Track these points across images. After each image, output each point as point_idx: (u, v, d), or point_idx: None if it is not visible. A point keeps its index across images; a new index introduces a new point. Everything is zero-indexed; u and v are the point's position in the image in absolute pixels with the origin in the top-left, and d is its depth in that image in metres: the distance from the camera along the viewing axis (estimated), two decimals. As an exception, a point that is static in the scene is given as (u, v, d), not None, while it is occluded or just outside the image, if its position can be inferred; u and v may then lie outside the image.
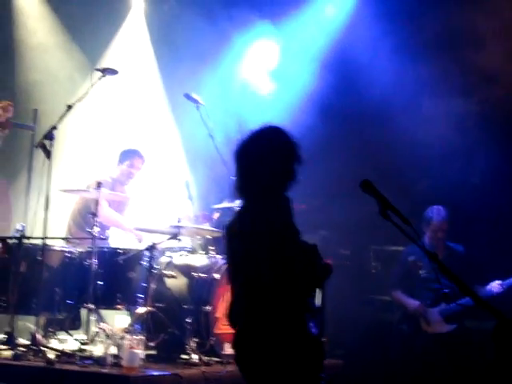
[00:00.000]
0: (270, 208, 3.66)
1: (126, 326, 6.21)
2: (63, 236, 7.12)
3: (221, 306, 6.24)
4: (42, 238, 6.00)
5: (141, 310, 6.15)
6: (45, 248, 6.04)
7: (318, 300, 4.17)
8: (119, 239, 7.54)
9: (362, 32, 8.31)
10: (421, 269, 7.01)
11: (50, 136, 6.02)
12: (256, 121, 3.90)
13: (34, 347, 5.77)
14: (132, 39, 9.37)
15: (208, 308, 6.24)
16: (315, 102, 8.30)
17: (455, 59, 7.93)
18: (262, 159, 3.70)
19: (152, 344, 6.13)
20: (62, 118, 6.21)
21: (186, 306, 6.30)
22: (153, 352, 6.20)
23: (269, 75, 8.91)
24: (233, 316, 3.73)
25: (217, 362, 6.13)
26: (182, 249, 6.87)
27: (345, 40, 8.50)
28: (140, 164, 7.59)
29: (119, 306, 6.38)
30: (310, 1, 8.79)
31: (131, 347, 5.38)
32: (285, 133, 3.78)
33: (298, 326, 3.58)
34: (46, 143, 5.99)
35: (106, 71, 6.60)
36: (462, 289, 3.22)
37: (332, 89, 8.27)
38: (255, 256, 3.58)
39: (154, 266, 6.35)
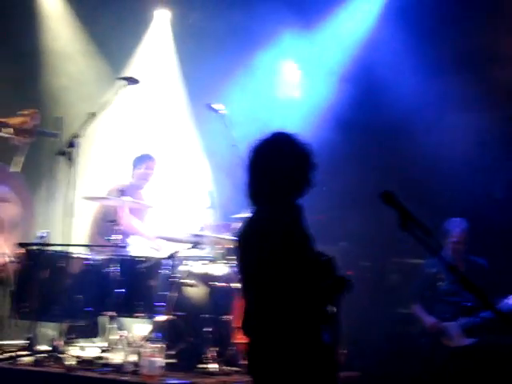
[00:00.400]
0: (282, 215, 3.65)
1: (146, 334, 6.24)
2: (85, 243, 7.16)
3: (240, 316, 6.23)
4: (64, 245, 6.05)
5: (161, 318, 6.17)
6: (67, 255, 6.08)
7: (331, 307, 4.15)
8: (138, 247, 7.58)
9: (384, 47, 8.33)
10: (441, 281, 6.98)
11: (71, 144, 6.07)
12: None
13: (55, 353, 5.80)
14: (156, 49, 9.42)
15: (227, 317, 6.25)
16: (335, 115, 8.32)
17: (478, 74, 7.93)
18: (275, 165, 3.68)
19: (171, 353, 6.13)
20: (84, 125, 6.27)
21: (205, 315, 6.31)
22: (172, 360, 6.20)
23: (292, 88, 8.95)
24: (246, 326, 3.74)
25: (236, 371, 6.13)
26: (202, 258, 6.89)
27: (366, 55, 8.52)
28: (154, 166, 7.67)
29: (139, 314, 6.41)
30: (331, 16, 8.81)
31: (151, 355, 5.40)
32: (298, 139, 3.77)
33: (311, 336, 3.56)
34: (68, 151, 6.04)
35: (129, 80, 6.66)
36: (482, 302, 3.20)
37: (353, 103, 8.29)
38: (268, 264, 3.57)
39: (175, 274, 6.37)
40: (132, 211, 7.33)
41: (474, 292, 3.19)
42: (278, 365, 3.53)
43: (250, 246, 3.70)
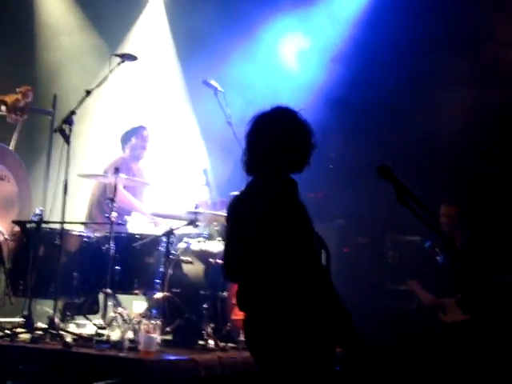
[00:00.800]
0: (276, 188, 3.64)
1: (143, 310, 6.25)
2: (83, 221, 7.15)
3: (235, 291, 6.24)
4: (60, 223, 6.03)
5: (158, 295, 6.18)
6: (63, 233, 6.07)
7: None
8: (136, 224, 7.57)
9: (378, 25, 8.32)
10: (438, 255, 6.99)
11: (68, 121, 6.03)
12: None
13: (52, 331, 5.80)
14: (151, 27, 9.39)
15: (224, 294, 6.26)
16: (328, 94, 8.31)
17: (468, 52, 7.93)
18: (274, 137, 3.66)
19: (168, 329, 6.15)
20: (80, 103, 6.22)
21: (202, 292, 6.32)
22: (169, 337, 6.23)
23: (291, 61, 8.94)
24: (241, 301, 3.72)
25: (233, 347, 6.15)
26: (199, 235, 6.88)
27: (360, 33, 8.50)
28: (146, 134, 7.60)
29: (136, 291, 6.43)
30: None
31: (148, 332, 5.41)
32: (299, 116, 3.76)
33: (308, 309, 3.56)
34: (64, 128, 6.00)
35: (125, 57, 6.60)
36: (478, 275, 3.21)
37: (347, 81, 8.27)
38: (261, 238, 3.57)
39: (171, 251, 6.37)
40: (129, 188, 7.31)
41: (470, 265, 3.19)
42: (276, 338, 3.53)
43: (242, 219, 3.67)
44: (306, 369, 3.52)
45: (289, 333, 3.52)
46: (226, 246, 3.85)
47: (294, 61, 8.98)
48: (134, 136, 7.53)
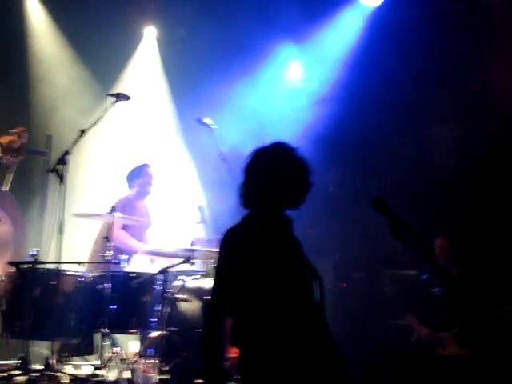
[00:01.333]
0: (269, 223, 3.68)
1: (140, 350, 6.20)
2: (80, 260, 7.12)
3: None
4: (56, 263, 6.02)
5: (154, 334, 6.15)
6: (58, 273, 6.05)
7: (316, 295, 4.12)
8: (136, 263, 7.56)
9: (368, 63, 8.43)
10: (435, 287, 6.98)
11: (63, 161, 6.05)
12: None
13: (48, 372, 5.75)
14: (145, 65, 9.45)
15: (221, 332, 6.21)
16: (317, 133, 8.36)
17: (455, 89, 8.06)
18: (271, 171, 3.71)
19: (166, 368, 6.10)
20: (75, 142, 6.25)
21: (199, 330, 6.27)
22: (167, 376, 6.18)
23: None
24: (234, 337, 3.70)
25: (230, 385, 6.10)
26: (194, 272, 6.87)
27: (345, 74, 8.61)
28: (151, 171, 7.70)
29: (133, 330, 6.38)
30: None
31: (145, 371, 5.37)
32: (297, 152, 3.81)
33: (302, 342, 3.55)
34: (58, 168, 6.02)
35: (120, 96, 6.65)
36: (477, 306, 3.21)
37: (334, 120, 8.36)
38: (253, 272, 3.58)
39: (168, 289, 6.35)
40: (132, 227, 7.34)
41: (468, 297, 3.19)
42: (266, 376, 3.51)
43: (236, 253, 3.68)
44: None
45: (278, 371, 3.50)
46: (217, 276, 3.81)
47: (284, 98, 9.07)
48: (140, 174, 7.61)
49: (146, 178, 7.63)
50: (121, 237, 7.16)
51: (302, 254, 3.69)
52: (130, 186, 7.64)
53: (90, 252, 7.43)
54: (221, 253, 3.81)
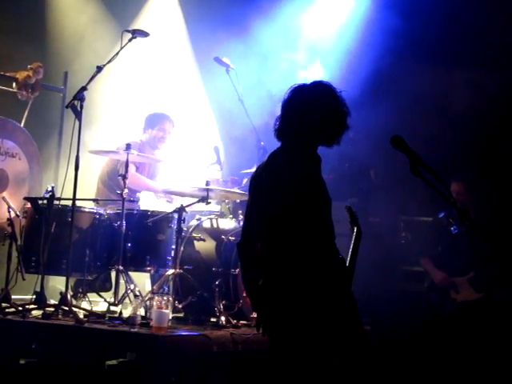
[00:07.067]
0: (300, 161, 3.72)
1: (155, 287, 6.24)
2: (92, 197, 7.14)
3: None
4: (72, 199, 6.00)
5: (169, 272, 6.17)
6: (74, 209, 6.05)
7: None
8: (150, 202, 7.57)
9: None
10: (452, 225, 6.93)
11: (80, 97, 5.98)
12: (285, 88, 3.93)
13: (64, 307, 5.79)
14: (162, 3, 9.32)
15: (236, 271, 6.24)
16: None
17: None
18: (312, 107, 3.74)
19: (180, 306, 6.15)
20: (91, 79, 6.18)
21: (214, 269, 6.30)
22: (181, 314, 6.23)
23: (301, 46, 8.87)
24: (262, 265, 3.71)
25: (245, 324, 6.14)
26: (210, 212, 6.87)
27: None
28: (171, 128, 7.57)
29: (148, 268, 6.40)
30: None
31: (160, 308, 5.39)
32: (338, 93, 3.84)
33: (322, 281, 3.57)
34: (76, 104, 5.96)
35: (136, 33, 6.55)
36: (494, 248, 3.18)
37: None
38: (281, 209, 3.62)
39: (183, 228, 6.35)
40: (142, 167, 7.32)
41: (484, 237, 3.16)
42: (282, 304, 3.55)
43: (264, 188, 3.72)
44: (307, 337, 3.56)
45: (302, 305, 3.55)
46: (246, 215, 3.90)
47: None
48: (157, 125, 7.49)
49: (160, 133, 7.49)
50: (135, 177, 7.14)
51: (327, 194, 3.72)
52: (144, 129, 7.56)
53: (96, 188, 7.41)
54: (249, 191, 3.91)
